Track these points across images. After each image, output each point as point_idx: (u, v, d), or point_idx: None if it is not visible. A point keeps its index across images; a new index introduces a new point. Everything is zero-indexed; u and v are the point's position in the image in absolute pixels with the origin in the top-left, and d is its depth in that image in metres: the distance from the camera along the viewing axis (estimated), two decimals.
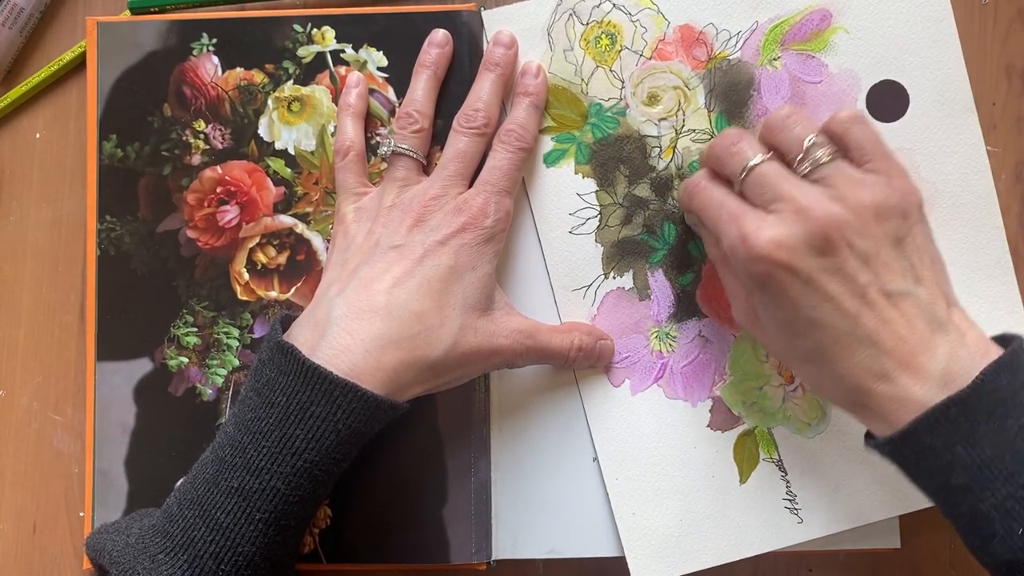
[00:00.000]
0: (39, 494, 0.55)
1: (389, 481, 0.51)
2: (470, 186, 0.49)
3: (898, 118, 0.50)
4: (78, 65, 0.56)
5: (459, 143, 0.49)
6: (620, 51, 0.51)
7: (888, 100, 0.50)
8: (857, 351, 0.41)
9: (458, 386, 0.49)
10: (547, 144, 0.52)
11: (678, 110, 0.51)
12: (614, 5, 0.51)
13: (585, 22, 0.51)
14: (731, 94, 0.51)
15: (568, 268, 0.51)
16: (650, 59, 0.51)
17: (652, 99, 0.51)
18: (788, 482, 0.50)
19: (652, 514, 0.50)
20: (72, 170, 0.56)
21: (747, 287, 0.44)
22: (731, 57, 0.51)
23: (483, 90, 0.50)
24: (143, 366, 0.53)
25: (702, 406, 0.51)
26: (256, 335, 0.52)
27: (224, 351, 0.52)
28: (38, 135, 0.57)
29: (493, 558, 0.51)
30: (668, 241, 0.51)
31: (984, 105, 0.52)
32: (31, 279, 0.56)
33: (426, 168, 0.51)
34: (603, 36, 0.51)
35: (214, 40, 0.53)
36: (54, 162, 0.56)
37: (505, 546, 0.51)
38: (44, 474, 0.55)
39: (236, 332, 0.52)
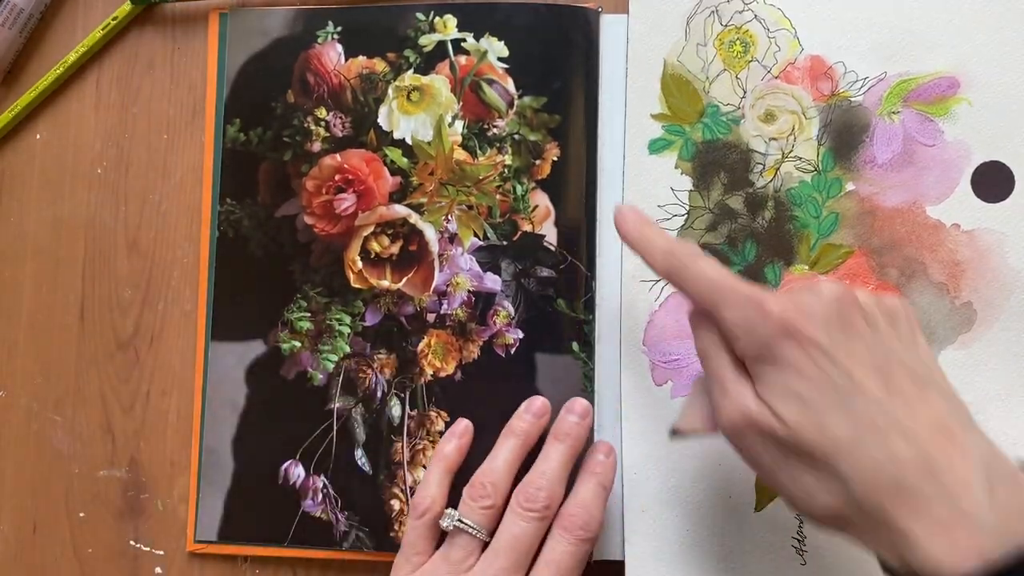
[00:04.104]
0: (39, 494, 0.55)
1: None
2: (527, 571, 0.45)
3: (1000, 200, 0.51)
4: (80, 67, 0.56)
5: (515, 527, 0.45)
6: (750, 61, 0.51)
7: (994, 180, 0.51)
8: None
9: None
10: (656, 131, 0.51)
11: (790, 134, 0.51)
12: (755, 16, 0.51)
13: (724, 23, 0.51)
14: (844, 134, 0.51)
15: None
16: (776, 78, 0.51)
17: (768, 117, 0.51)
18: (801, 522, 0.50)
19: (662, 515, 0.50)
20: (72, 171, 0.56)
21: None
22: (853, 99, 0.51)
23: (548, 465, 0.47)
24: (256, 348, 0.53)
25: None
26: (367, 323, 0.52)
27: (336, 337, 0.52)
28: (39, 136, 0.56)
29: None
30: (747, 259, 0.51)
31: None
32: (31, 279, 0.56)
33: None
34: (737, 42, 0.51)
35: (339, 28, 0.53)
36: (54, 163, 0.56)
37: None
38: (44, 474, 0.55)
39: (348, 319, 0.52)
